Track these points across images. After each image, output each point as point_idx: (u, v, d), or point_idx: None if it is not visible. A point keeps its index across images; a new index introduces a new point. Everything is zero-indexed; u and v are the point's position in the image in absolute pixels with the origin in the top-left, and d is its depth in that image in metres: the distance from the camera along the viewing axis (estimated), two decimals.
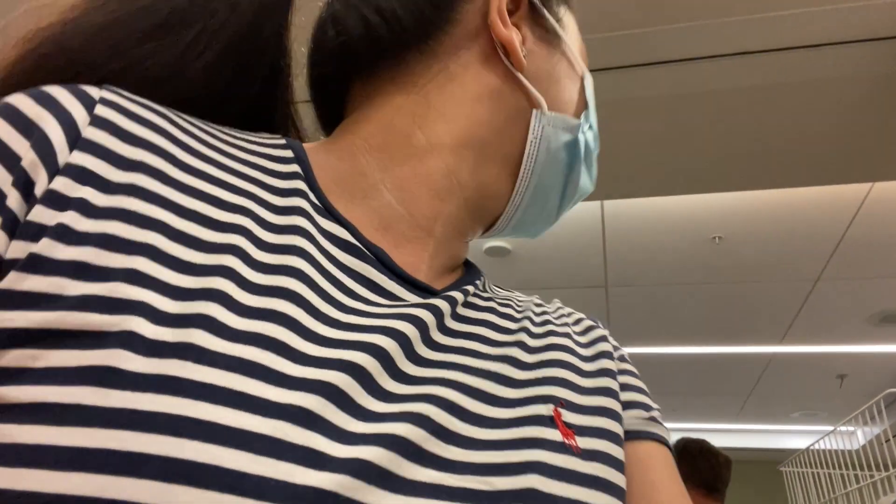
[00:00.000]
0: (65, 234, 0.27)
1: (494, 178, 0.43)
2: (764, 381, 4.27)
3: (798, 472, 1.99)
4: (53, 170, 0.28)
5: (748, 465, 5.43)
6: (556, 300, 0.51)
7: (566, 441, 0.34)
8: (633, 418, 0.41)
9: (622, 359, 0.45)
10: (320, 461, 0.26)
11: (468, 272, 0.46)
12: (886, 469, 1.51)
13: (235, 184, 0.35)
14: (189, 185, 0.32)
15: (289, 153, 0.40)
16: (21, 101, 0.30)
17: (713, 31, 1.61)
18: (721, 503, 2.14)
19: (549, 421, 0.35)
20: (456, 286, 0.41)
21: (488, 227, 0.46)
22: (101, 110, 0.31)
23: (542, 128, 0.43)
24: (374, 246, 0.38)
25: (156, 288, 0.27)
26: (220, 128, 0.39)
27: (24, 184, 0.28)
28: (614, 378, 0.42)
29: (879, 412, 1.51)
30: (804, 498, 1.95)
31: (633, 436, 0.40)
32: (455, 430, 0.31)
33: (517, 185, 0.43)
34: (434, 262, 0.42)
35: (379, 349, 0.31)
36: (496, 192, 0.44)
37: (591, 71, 0.48)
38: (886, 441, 1.46)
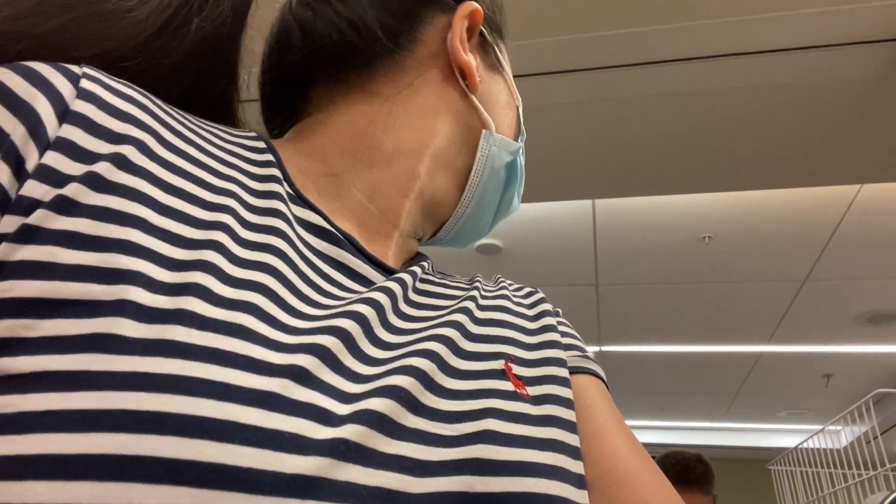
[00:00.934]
0: (57, 207, 0.27)
1: (444, 188, 0.47)
2: (751, 380, 4.30)
3: (787, 471, 2.01)
4: (44, 144, 0.29)
5: (734, 463, 5.47)
6: (500, 276, 0.54)
7: (517, 391, 0.37)
8: (570, 357, 0.45)
9: (558, 314, 0.49)
10: (325, 415, 0.28)
11: (417, 256, 0.51)
12: (874, 468, 1.52)
13: (218, 168, 0.36)
14: (175, 164, 0.33)
15: (262, 144, 0.42)
16: (6, 75, 0.30)
17: (704, 32, 1.62)
18: (707, 495, 2.14)
19: (501, 374, 0.38)
20: (412, 264, 0.46)
21: (432, 235, 0.51)
22: (85, 84, 0.32)
23: (490, 147, 0.48)
24: (346, 232, 0.41)
25: (151, 259, 0.28)
26: (193, 116, 0.40)
27: (15, 158, 0.28)
28: (555, 331, 0.45)
29: (868, 411, 1.52)
30: (792, 496, 1.96)
31: (570, 371, 0.44)
32: (437, 381, 0.34)
33: (464, 196, 0.48)
34: (398, 251, 0.46)
35: (360, 316, 0.34)
36: (445, 201, 0.48)
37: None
38: (874, 438, 1.47)
